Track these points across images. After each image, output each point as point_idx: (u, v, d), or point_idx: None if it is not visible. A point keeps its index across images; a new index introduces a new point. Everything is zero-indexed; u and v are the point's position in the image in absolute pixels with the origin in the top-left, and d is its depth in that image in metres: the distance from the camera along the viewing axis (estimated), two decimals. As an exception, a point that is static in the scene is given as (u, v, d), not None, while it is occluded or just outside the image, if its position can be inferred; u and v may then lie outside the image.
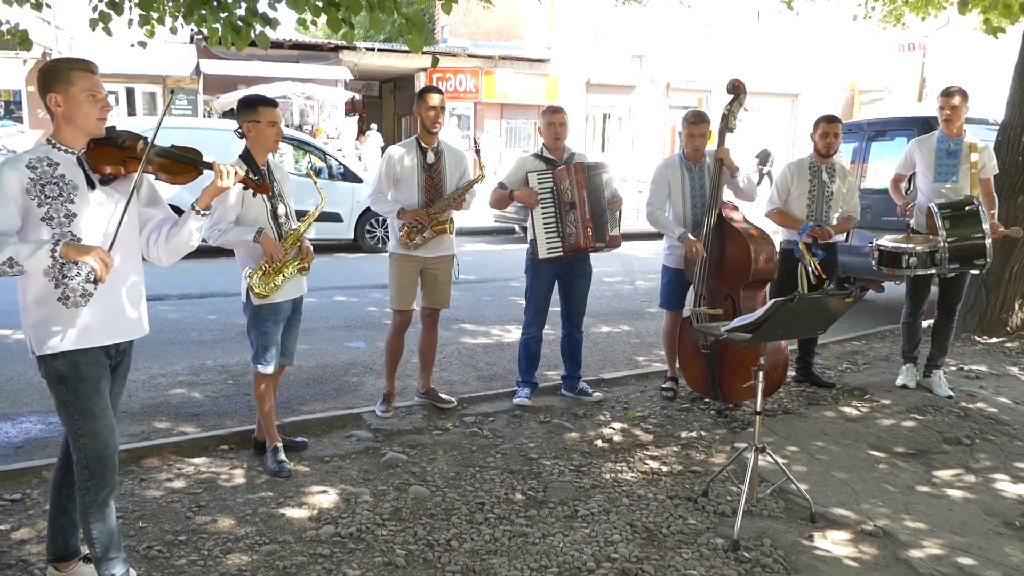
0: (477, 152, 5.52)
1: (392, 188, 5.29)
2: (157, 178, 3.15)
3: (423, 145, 5.24)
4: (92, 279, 2.78)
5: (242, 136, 4.33)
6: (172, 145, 3.17)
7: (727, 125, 5.43)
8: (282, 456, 4.46)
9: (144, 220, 3.18)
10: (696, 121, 5.61)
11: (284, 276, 4.30)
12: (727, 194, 5.64)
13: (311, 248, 4.48)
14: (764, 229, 5.49)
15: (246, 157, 4.28)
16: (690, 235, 5.42)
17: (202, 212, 3.14)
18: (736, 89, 5.42)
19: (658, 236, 5.94)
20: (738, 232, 5.32)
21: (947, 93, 5.78)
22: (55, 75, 2.86)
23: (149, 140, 3.00)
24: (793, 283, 5.66)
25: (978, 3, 7.23)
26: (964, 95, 5.73)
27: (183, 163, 3.17)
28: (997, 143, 7.36)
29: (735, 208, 5.53)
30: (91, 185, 2.94)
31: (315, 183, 4.72)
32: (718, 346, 5.36)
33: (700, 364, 5.58)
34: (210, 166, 3.19)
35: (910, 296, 6.05)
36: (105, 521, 3.04)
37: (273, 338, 4.42)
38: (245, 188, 3.72)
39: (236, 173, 3.19)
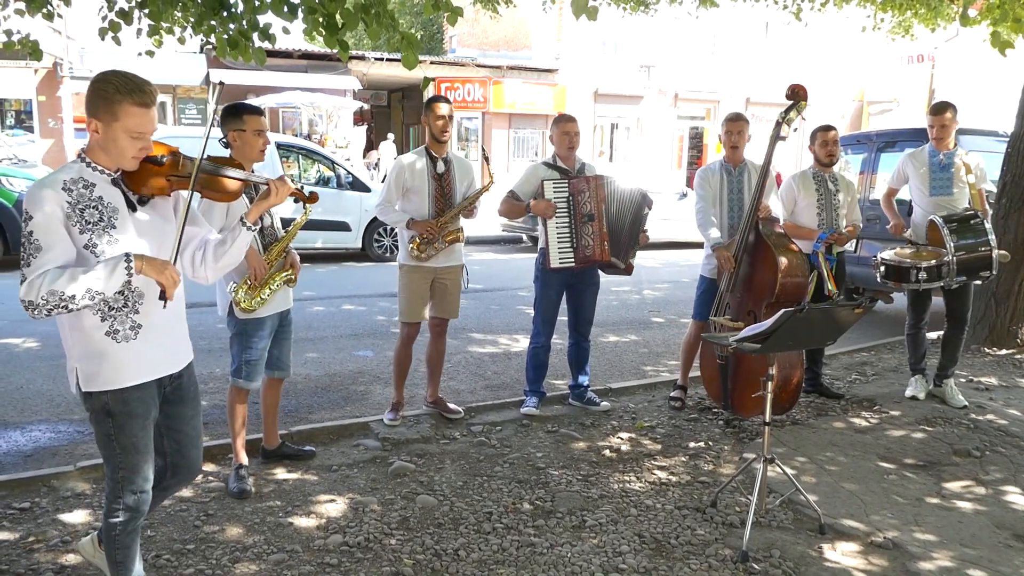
0: (486, 160, 5.53)
1: (401, 198, 5.29)
2: (202, 196, 3.00)
3: (433, 155, 5.26)
4: (161, 299, 2.70)
5: (227, 146, 4.20)
6: (209, 157, 2.97)
7: (779, 133, 5.20)
8: (244, 475, 4.36)
9: (186, 239, 2.94)
10: (734, 119, 5.61)
11: (271, 289, 4.21)
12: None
13: (297, 258, 4.41)
14: (799, 250, 5.35)
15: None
16: (722, 246, 5.37)
17: (251, 227, 2.99)
18: (796, 95, 5.17)
19: (667, 247, 5.93)
20: (769, 248, 5.21)
21: (937, 111, 5.84)
22: (103, 100, 2.61)
23: (197, 160, 2.83)
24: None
25: (987, 16, 7.23)
26: (954, 111, 5.79)
27: (230, 179, 3.03)
28: (1007, 155, 7.37)
29: (776, 221, 5.46)
30: (131, 207, 2.77)
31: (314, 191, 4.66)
32: (732, 359, 5.32)
33: (717, 370, 5.52)
34: (264, 181, 3.10)
35: (912, 308, 6.03)
36: (131, 547, 2.97)
37: (258, 353, 4.33)
38: (296, 200, 3.64)
39: (287, 188, 3.11)
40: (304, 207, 4.26)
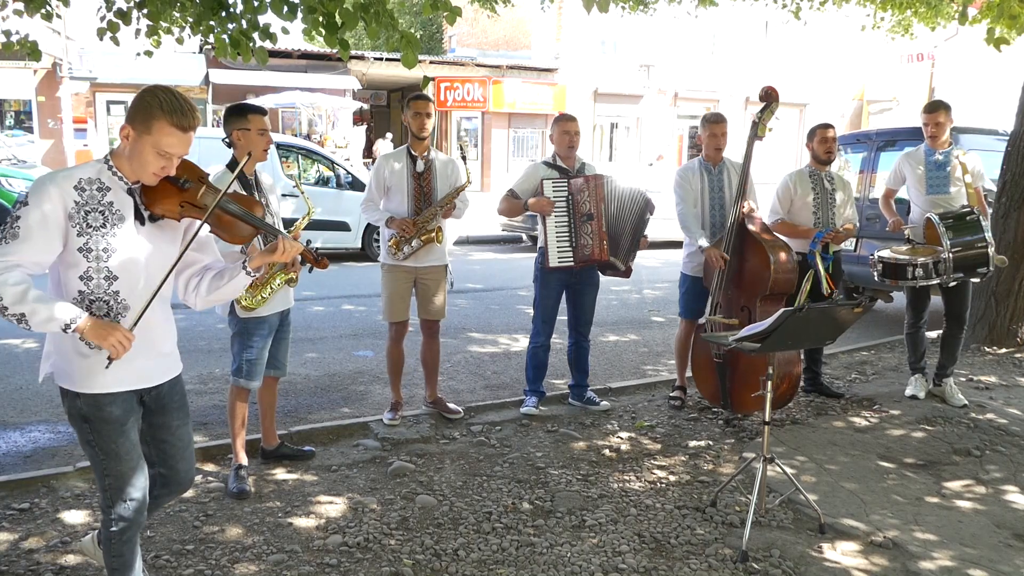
0: (463, 159, 5.54)
1: (383, 196, 5.31)
2: (212, 231, 2.90)
3: (413, 153, 5.24)
4: (108, 359, 2.62)
5: (230, 145, 4.20)
6: (235, 195, 2.87)
7: (756, 134, 5.36)
8: (244, 475, 4.36)
9: (187, 263, 2.89)
10: (717, 120, 5.62)
11: (272, 288, 4.21)
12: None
13: (299, 258, 4.40)
14: (785, 241, 5.45)
15: (234, 167, 4.12)
16: (707, 243, 5.39)
17: (251, 273, 2.93)
18: (768, 97, 5.34)
19: (666, 246, 5.94)
20: (759, 243, 5.27)
21: (931, 109, 5.86)
22: (143, 111, 2.60)
23: (218, 195, 2.76)
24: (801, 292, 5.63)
25: (987, 14, 7.23)
26: (948, 110, 5.82)
27: (245, 223, 2.93)
28: (1006, 154, 7.36)
29: (759, 219, 5.49)
30: (140, 220, 2.72)
31: (302, 193, 4.64)
32: (730, 356, 5.33)
33: (713, 373, 5.55)
34: (276, 235, 3.01)
35: (911, 307, 6.03)
36: (127, 555, 2.91)
37: (259, 352, 4.33)
38: (304, 262, 3.53)
39: (296, 248, 3.01)
40: (307, 210, 4.24)
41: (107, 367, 2.66)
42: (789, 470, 4.19)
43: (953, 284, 5.57)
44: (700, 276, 5.64)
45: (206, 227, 2.83)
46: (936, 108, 5.83)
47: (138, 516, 2.86)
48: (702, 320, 5.70)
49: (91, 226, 2.60)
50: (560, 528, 3.95)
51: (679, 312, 5.95)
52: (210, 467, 4.59)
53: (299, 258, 4.30)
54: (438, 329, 5.55)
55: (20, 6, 6.28)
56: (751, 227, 5.37)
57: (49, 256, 2.58)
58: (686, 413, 5.72)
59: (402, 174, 5.22)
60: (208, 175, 2.87)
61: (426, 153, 5.25)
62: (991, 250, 5.28)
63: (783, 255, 5.27)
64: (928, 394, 5.97)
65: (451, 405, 5.56)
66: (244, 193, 3.07)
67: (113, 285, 2.67)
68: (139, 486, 2.84)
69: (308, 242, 3.36)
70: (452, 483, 4.45)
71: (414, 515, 4.05)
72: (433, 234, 5.23)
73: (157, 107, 2.58)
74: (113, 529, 2.84)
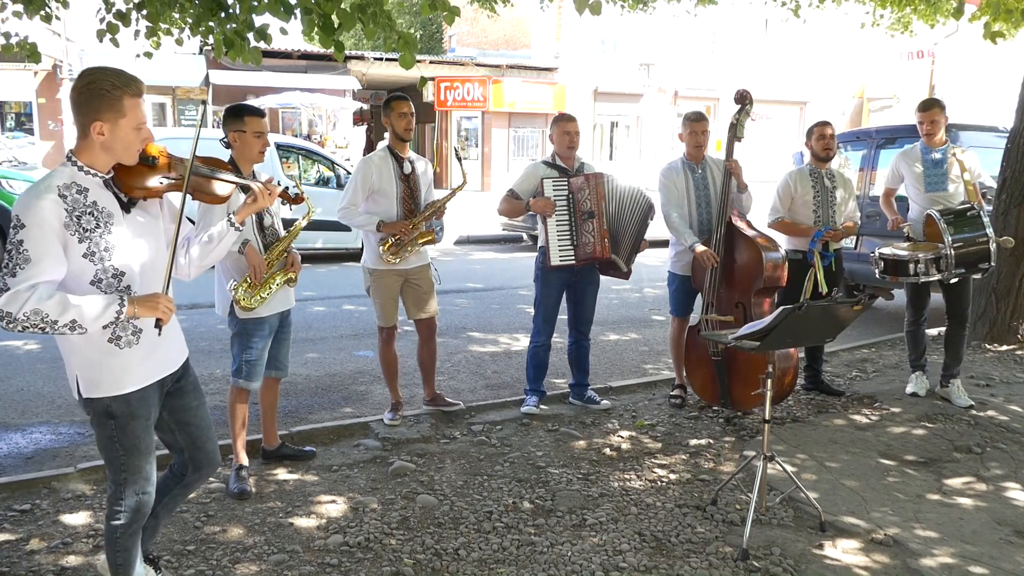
0: (459, 160, 5.52)
1: (366, 201, 5.19)
2: (194, 198, 2.98)
3: (398, 155, 5.19)
4: (157, 327, 2.71)
5: (228, 146, 4.21)
6: (199, 158, 2.95)
7: (735, 134, 5.42)
8: (245, 475, 4.37)
9: (170, 236, 2.91)
10: (697, 119, 5.65)
11: (271, 288, 4.20)
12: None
13: (299, 258, 4.39)
14: (770, 235, 5.49)
15: (232, 165, 4.10)
16: (699, 245, 5.40)
17: (239, 228, 3.05)
18: (743, 99, 5.40)
19: (665, 245, 5.95)
20: (749, 239, 5.30)
21: (925, 108, 5.86)
22: (104, 99, 2.57)
23: (188, 163, 2.82)
24: (801, 291, 5.64)
25: (986, 11, 7.22)
26: (943, 108, 5.83)
27: (220, 181, 3.05)
28: (1006, 151, 7.35)
29: (741, 215, 5.52)
30: (124, 209, 2.72)
31: (301, 193, 4.64)
32: (728, 353, 5.34)
33: (707, 371, 5.56)
34: (247, 186, 3.12)
35: (911, 304, 6.02)
36: (132, 549, 2.95)
37: (259, 353, 4.33)
38: (284, 202, 3.63)
39: (274, 191, 3.13)
40: (307, 210, 4.26)
41: (159, 334, 2.77)
42: (790, 468, 4.20)
43: (954, 281, 5.56)
44: (688, 275, 5.65)
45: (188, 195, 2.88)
46: (931, 106, 5.83)
47: (145, 508, 2.93)
48: (694, 322, 5.71)
49: (87, 230, 2.59)
50: (561, 527, 3.95)
51: (670, 310, 5.96)
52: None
53: (299, 258, 4.36)
54: (435, 329, 5.54)
55: (19, 8, 6.28)
56: (738, 225, 5.41)
57: (63, 270, 2.57)
58: (686, 411, 5.72)
59: (390, 177, 5.14)
60: (165, 148, 2.89)
61: (408, 154, 5.23)
62: (992, 245, 5.27)
63: (772, 249, 5.32)
64: (928, 391, 5.96)
65: (449, 399, 5.57)
66: (209, 156, 3.10)
67: (123, 281, 2.70)
68: (150, 478, 2.91)
69: (278, 183, 3.42)
70: (453, 483, 4.45)
71: (415, 515, 4.05)
72: (431, 235, 5.22)
73: (113, 88, 2.58)
74: (119, 523, 2.88)
